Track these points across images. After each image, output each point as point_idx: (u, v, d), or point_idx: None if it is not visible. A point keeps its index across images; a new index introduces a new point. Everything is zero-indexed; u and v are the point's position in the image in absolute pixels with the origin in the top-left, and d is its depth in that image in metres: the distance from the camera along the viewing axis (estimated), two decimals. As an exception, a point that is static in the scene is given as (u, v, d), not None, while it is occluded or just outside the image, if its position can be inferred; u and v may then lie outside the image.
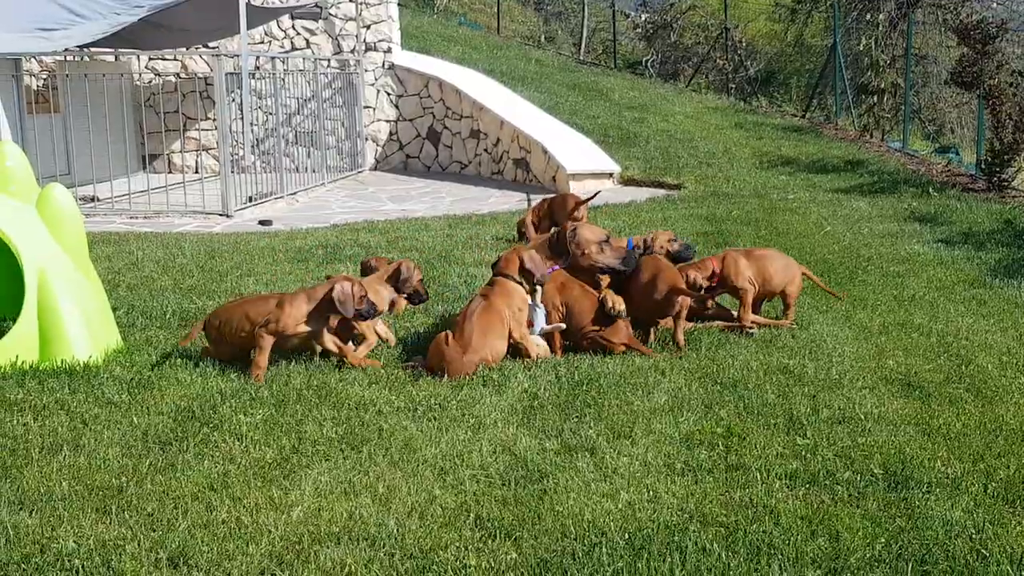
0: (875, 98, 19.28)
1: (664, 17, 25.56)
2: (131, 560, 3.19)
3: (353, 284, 5.14)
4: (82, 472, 3.87)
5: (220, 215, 11.54)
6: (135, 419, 4.41)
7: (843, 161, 14.96)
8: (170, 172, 15.16)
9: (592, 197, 9.27)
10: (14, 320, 5.55)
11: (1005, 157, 12.45)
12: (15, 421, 4.39)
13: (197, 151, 15.96)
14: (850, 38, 21.67)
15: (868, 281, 7.51)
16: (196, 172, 15.54)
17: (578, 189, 12.73)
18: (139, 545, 3.28)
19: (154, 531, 3.39)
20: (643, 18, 26.49)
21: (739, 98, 22.24)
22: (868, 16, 21.93)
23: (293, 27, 15.85)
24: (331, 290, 5.07)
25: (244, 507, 3.57)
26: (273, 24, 15.70)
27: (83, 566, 3.15)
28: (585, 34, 25.40)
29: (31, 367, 5.15)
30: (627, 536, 3.36)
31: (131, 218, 11.48)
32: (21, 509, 3.55)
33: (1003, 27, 13.26)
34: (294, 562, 3.19)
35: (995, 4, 22.57)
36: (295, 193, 13.33)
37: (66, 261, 5.47)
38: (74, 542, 3.29)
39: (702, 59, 24.42)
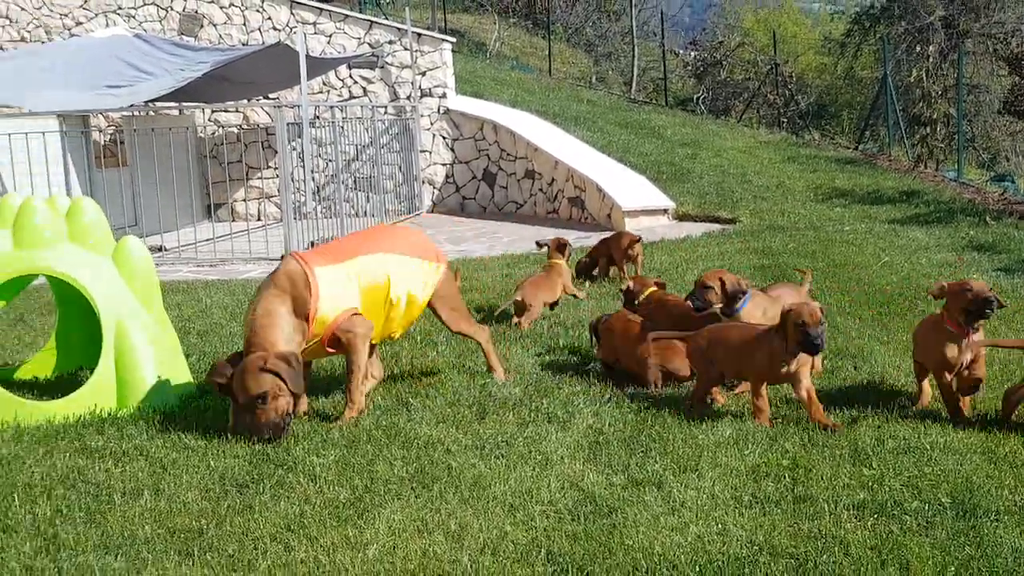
0: (928, 128, 19.17)
1: (714, 55, 25.65)
2: (216, 598, 3.31)
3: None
4: (163, 515, 4.01)
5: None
6: (212, 462, 4.55)
7: (898, 192, 14.88)
8: (233, 220, 15.50)
9: (639, 239, 9.27)
10: (91, 370, 5.78)
11: (1063, 183, 12.32)
12: (97, 468, 4.55)
13: (259, 199, 16.34)
14: (900, 70, 21.61)
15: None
16: (259, 220, 15.91)
17: (633, 226, 12.81)
18: (223, 584, 3.40)
19: (235, 572, 3.51)
20: (692, 56, 26.62)
21: (791, 132, 22.22)
22: (918, 48, 21.86)
23: (351, 76, 16.22)
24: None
25: (321, 547, 3.67)
26: (331, 74, 16.08)
27: (170, 605, 3.27)
28: (635, 73, 25.58)
29: (110, 414, 5.32)
30: (697, 569, 3.41)
31: (198, 266, 11.77)
32: (107, 553, 3.69)
33: (1056, 55, 13.18)
34: (372, 598, 3.29)
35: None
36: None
37: (141, 311, 5.66)
38: (161, 582, 3.43)
39: (753, 94, 24.47)
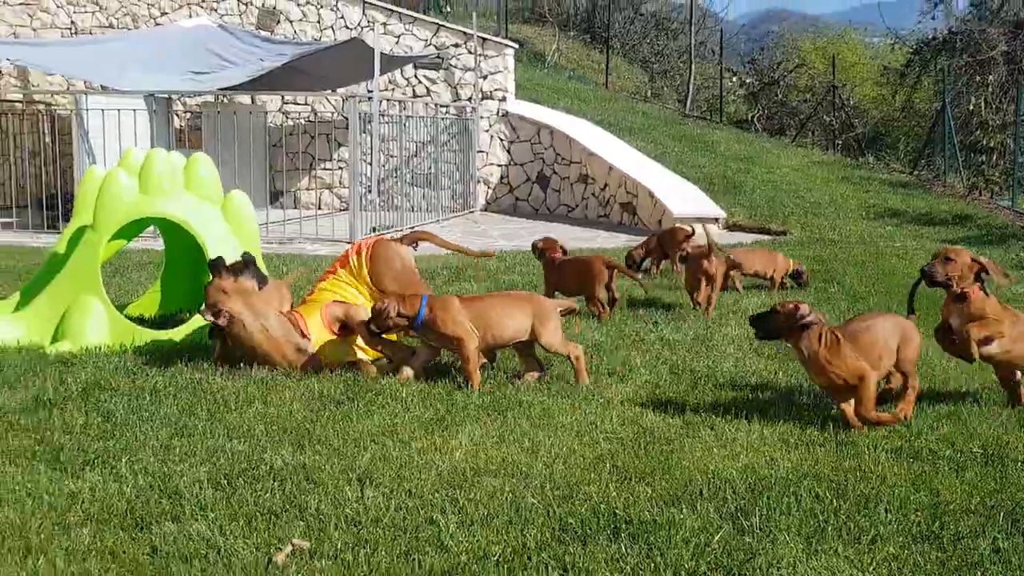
0: (984, 157, 19.42)
1: (771, 75, 25.99)
2: (328, 476, 3.82)
3: None
4: (274, 419, 4.54)
5: (348, 243, 12.34)
6: (311, 384, 5.09)
7: (951, 215, 15.16)
8: (295, 208, 16.12)
9: (692, 232, 9.80)
10: (191, 312, 6.37)
11: (1113, 213, 12.56)
12: (211, 381, 5.12)
13: (321, 189, 16.96)
14: (959, 102, 21.84)
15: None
16: (320, 208, 16.51)
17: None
18: (332, 468, 3.92)
19: (342, 459, 4.02)
20: (747, 82, 26.99)
21: (846, 155, 22.49)
22: (977, 78, 22.10)
23: (415, 76, 16.81)
24: None
25: (413, 448, 4.18)
26: (397, 73, 16.68)
27: (290, 478, 3.79)
28: (691, 91, 25.98)
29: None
30: (748, 484, 3.85)
31: (267, 243, 12.33)
32: (231, 439, 4.23)
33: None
34: (462, 484, 3.78)
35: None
36: (413, 227, 14.11)
37: (243, 257, 6.21)
38: (281, 462, 3.94)
39: (808, 117, 24.78)
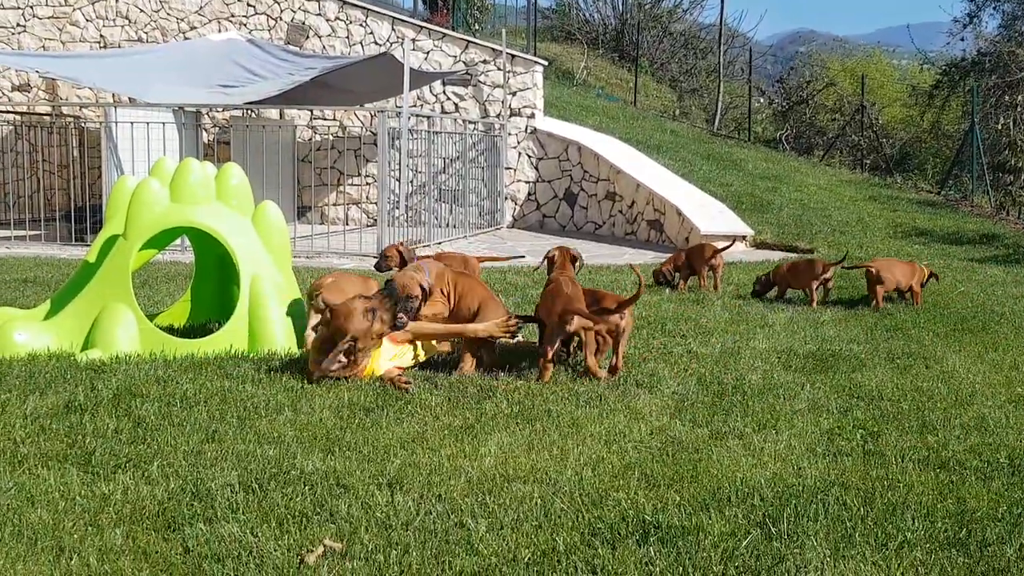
0: (1011, 177, 19.36)
1: (800, 94, 25.99)
2: (358, 481, 3.85)
3: None
4: (304, 426, 4.59)
5: (375, 257, 12.41)
6: (341, 393, 5.13)
7: (978, 234, 15.12)
8: (321, 223, 16.24)
9: (728, 246, 9.92)
10: (219, 322, 6.43)
11: None
12: (240, 389, 5.17)
13: (347, 204, 17.08)
14: (988, 123, 21.77)
15: (1000, 332, 7.80)
16: (346, 224, 16.63)
17: (712, 248, 13.21)
18: (362, 473, 3.96)
19: (372, 465, 4.06)
20: (776, 101, 27.01)
21: (873, 174, 22.46)
22: (1006, 98, 22.03)
23: (444, 92, 16.92)
24: None
25: (443, 455, 4.21)
26: (426, 89, 16.79)
27: (321, 483, 3.83)
28: (719, 109, 26.00)
29: (244, 353, 5.93)
30: (776, 491, 3.86)
31: (295, 257, 12.40)
32: (262, 445, 4.28)
33: None
34: (492, 490, 3.81)
35: None
36: (440, 243, 14.19)
37: (273, 269, 6.28)
38: (311, 467, 3.98)
39: (836, 135, 24.77)
